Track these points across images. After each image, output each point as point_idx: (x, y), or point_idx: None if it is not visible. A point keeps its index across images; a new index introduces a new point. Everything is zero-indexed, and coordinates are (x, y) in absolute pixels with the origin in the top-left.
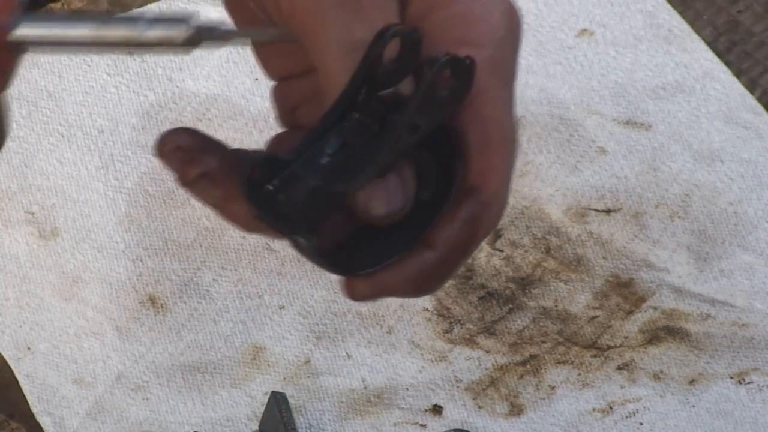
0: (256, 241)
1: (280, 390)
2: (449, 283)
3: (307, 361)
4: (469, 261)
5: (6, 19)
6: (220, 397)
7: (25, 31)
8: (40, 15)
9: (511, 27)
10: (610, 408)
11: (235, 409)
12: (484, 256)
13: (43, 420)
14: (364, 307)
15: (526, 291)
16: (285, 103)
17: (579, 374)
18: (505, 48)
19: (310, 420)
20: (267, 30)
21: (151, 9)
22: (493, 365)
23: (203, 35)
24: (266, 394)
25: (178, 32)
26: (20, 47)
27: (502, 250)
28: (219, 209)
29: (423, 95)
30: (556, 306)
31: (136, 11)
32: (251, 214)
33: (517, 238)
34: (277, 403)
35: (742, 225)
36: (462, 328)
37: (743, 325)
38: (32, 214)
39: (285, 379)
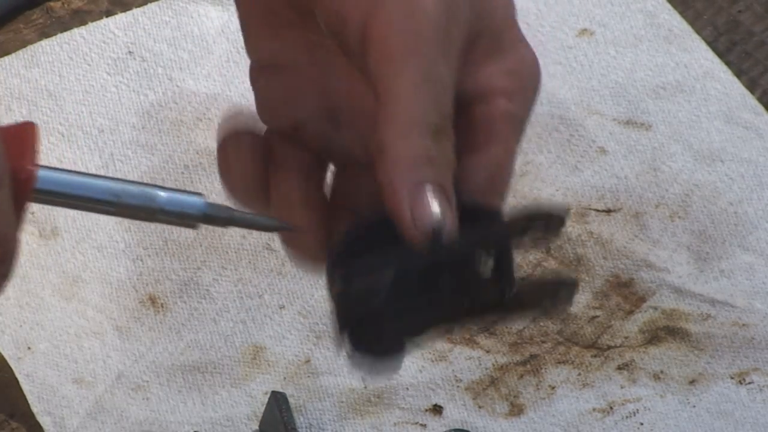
0: (256, 240)
1: (280, 390)
2: None
3: (308, 361)
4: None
5: (31, 168)
6: (220, 396)
7: (43, 183)
8: (57, 168)
9: (538, 86)
10: (611, 408)
11: (235, 408)
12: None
13: (43, 420)
14: None
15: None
16: (269, 94)
17: (579, 374)
18: (531, 103)
19: (310, 420)
20: (273, 219)
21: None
22: (494, 365)
23: (215, 213)
24: (266, 393)
25: (192, 212)
26: (35, 196)
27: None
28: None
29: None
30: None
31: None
32: (332, 287)
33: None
34: (278, 402)
35: (743, 225)
36: (462, 328)
37: (743, 325)
38: (32, 213)
39: (285, 378)
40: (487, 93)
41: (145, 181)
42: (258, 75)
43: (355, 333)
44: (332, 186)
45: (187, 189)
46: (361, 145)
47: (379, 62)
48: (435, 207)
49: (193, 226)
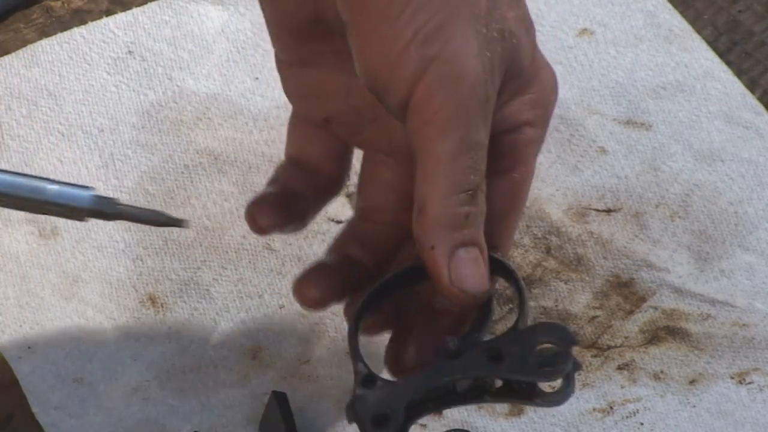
0: (256, 240)
1: (279, 388)
2: None
3: (307, 361)
4: None
5: None
6: (220, 396)
7: None
8: None
9: (556, 101)
10: (611, 408)
11: (234, 408)
12: None
13: (43, 420)
14: None
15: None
16: (298, 86)
17: (579, 374)
18: (550, 120)
19: (310, 420)
20: (161, 214)
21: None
22: None
23: (102, 207)
24: (266, 393)
25: (80, 204)
26: None
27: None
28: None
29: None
30: (556, 306)
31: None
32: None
33: (517, 237)
34: (278, 402)
35: (743, 225)
36: None
37: (744, 325)
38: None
39: (285, 378)
40: (514, 125)
41: (37, 176)
42: (286, 68)
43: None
44: (360, 171)
45: (187, 189)
46: (386, 137)
47: (422, 126)
48: (471, 269)
49: (81, 219)
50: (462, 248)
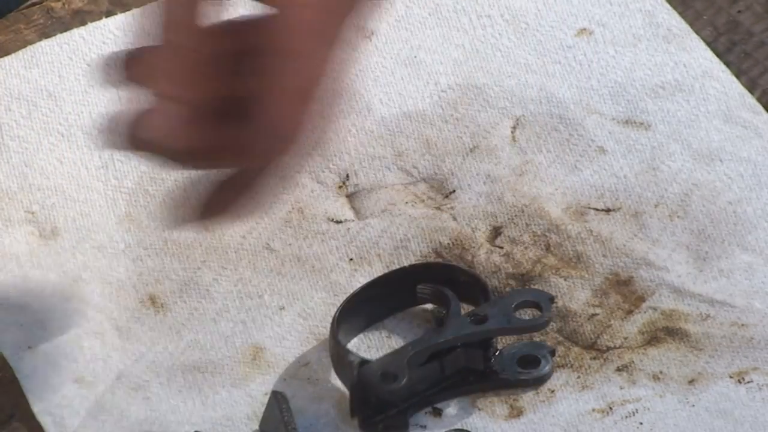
0: (256, 240)
1: (279, 388)
2: None
3: (307, 364)
4: (469, 258)
5: None
6: (220, 396)
7: None
8: None
9: None
10: (610, 408)
11: (235, 408)
12: (483, 253)
13: (43, 420)
14: None
15: (526, 287)
16: None
17: (579, 377)
18: None
19: (309, 421)
20: None
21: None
22: None
23: None
24: (266, 394)
25: None
26: None
27: (501, 247)
28: None
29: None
30: (556, 303)
31: None
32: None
33: (517, 235)
34: (278, 402)
35: (742, 225)
36: None
37: (743, 325)
38: (32, 213)
39: (285, 380)
40: None
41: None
42: None
43: (368, 418)
44: None
45: (187, 189)
46: None
47: None
48: None
49: None
50: None
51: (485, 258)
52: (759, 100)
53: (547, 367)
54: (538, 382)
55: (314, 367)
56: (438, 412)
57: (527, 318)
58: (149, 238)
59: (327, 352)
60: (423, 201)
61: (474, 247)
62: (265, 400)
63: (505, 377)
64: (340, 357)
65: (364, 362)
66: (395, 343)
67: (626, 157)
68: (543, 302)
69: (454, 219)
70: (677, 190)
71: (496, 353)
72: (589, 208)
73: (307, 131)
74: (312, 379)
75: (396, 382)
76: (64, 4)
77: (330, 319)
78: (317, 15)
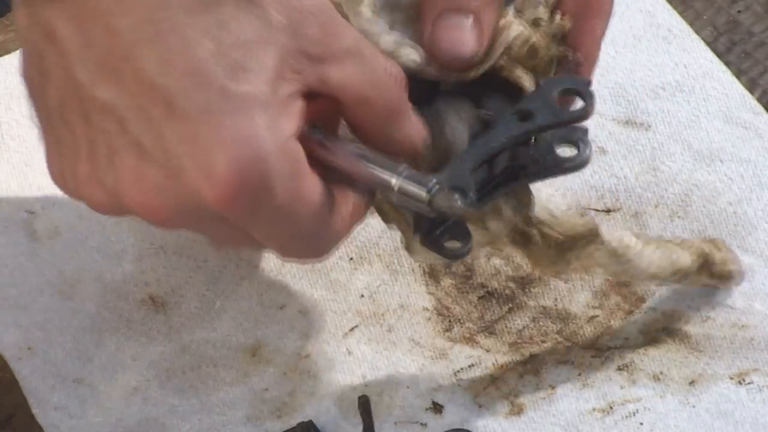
0: None
1: (279, 385)
2: (449, 283)
3: (308, 356)
4: (469, 260)
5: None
6: (219, 395)
7: None
8: None
9: None
10: (611, 408)
11: (234, 406)
12: (483, 255)
13: (43, 420)
14: (364, 306)
15: (526, 290)
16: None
17: (579, 374)
18: None
19: (310, 416)
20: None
21: None
22: (494, 364)
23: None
24: (266, 389)
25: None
26: None
27: (501, 250)
28: None
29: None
30: (555, 305)
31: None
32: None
33: None
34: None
35: (742, 225)
36: (462, 327)
37: (743, 326)
38: (32, 213)
39: (285, 374)
40: None
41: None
42: None
43: (430, 233)
44: None
45: None
46: None
47: None
48: (450, 32)
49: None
50: (447, 12)
51: (485, 261)
52: (759, 100)
53: (587, 151)
54: (581, 165)
55: (314, 361)
56: (439, 409)
57: (573, 109)
58: (149, 238)
59: (327, 345)
60: None
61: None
62: (265, 396)
63: (551, 166)
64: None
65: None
66: (395, 337)
67: (626, 158)
68: (581, 88)
69: None
70: (677, 191)
71: (536, 144)
72: (590, 208)
73: None
74: (312, 374)
75: (466, 199)
76: None
77: (330, 315)
78: None
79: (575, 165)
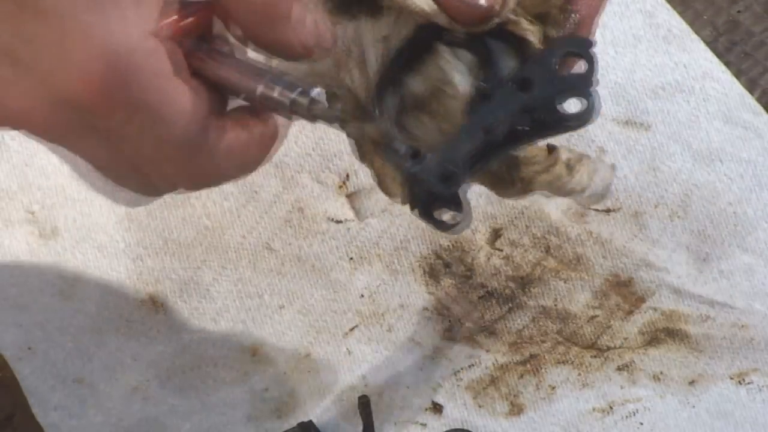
0: (256, 240)
1: (279, 385)
2: (449, 283)
3: (308, 355)
4: (469, 260)
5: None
6: (219, 395)
7: None
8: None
9: None
10: (610, 408)
11: (234, 406)
12: (483, 255)
13: (43, 420)
14: (364, 306)
15: (526, 290)
16: None
17: (579, 374)
18: None
19: (310, 416)
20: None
21: None
22: (494, 364)
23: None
24: (266, 389)
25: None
26: None
27: (501, 250)
28: None
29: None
30: (555, 305)
31: None
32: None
33: (517, 237)
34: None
35: (742, 225)
36: (462, 327)
37: (743, 326)
38: (32, 213)
39: (285, 374)
40: None
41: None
42: None
43: (426, 206)
44: None
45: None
46: None
47: None
48: None
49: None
50: None
51: (485, 261)
52: (759, 100)
53: (595, 104)
54: (586, 121)
55: (314, 361)
56: (439, 409)
57: (574, 73)
58: (149, 238)
59: (327, 344)
60: None
61: (474, 250)
62: (265, 396)
63: (553, 124)
64: (386, 139)
65: (415, 153)
66: (395, 337)
67: (626, 158)
68: (583, 51)
69: None
70: (677, 191)
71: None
72: (589, 209)
73: None
74: (312, 374)
75: (456, 183)
76: None
77: (330, 315)
78: None
79: (580, 121)
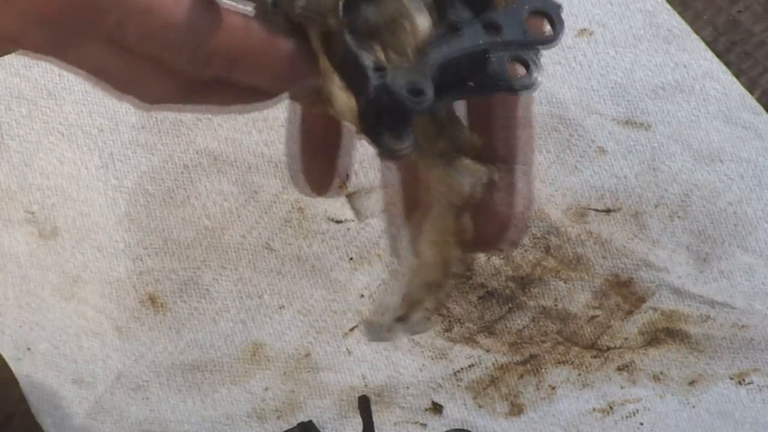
0: (256, 240)
1: (279, 385)
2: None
3: (308, 355)
4: (469, 260)
5: None
6: (219, 395)
7: None
8: None
9: None
10: (610, 408)
11: (234, 406)
12: (483, 255)
13: (43, 420)
14: (364, 306)
15: (526, 290)
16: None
17: (579, 374)
18: None
19: (310, 416)
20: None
21: None
22: (494, 364)
23: None
24: (266, 389)
25: None
26: None
27: (501, 250)
28: None
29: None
30: (555, 305)
31: None
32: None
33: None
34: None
35: (742, 225)
36: (462, 327)
37: (743, 326)
38: (32, 213)
39: (285, 374)
40: None
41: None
42: None
43: (376, 126)
44: None
45: (187, 189)
46: None
47: None
48: None
49: None
50: None
51: (485, 261)
52: (759, 100)
53: (536, 74)
54: (530, 87)
55: (314, 361)
56: (439, 410)
57: (542, 33)
58: (149, 238)
59: (327, 344)
60: None
61: None
62: (265, 396)
63: (501, 83)
64: (349, 57)
65: (379, 68)
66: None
67: (626, 158)
68: (552, 12)
69: None
70: (677, 191)
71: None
72: (589, 208)
73: None
74: (312, 374)
75: (424, 98)
76: None
77: (330, 315)
78: None
79: (525, 85)
